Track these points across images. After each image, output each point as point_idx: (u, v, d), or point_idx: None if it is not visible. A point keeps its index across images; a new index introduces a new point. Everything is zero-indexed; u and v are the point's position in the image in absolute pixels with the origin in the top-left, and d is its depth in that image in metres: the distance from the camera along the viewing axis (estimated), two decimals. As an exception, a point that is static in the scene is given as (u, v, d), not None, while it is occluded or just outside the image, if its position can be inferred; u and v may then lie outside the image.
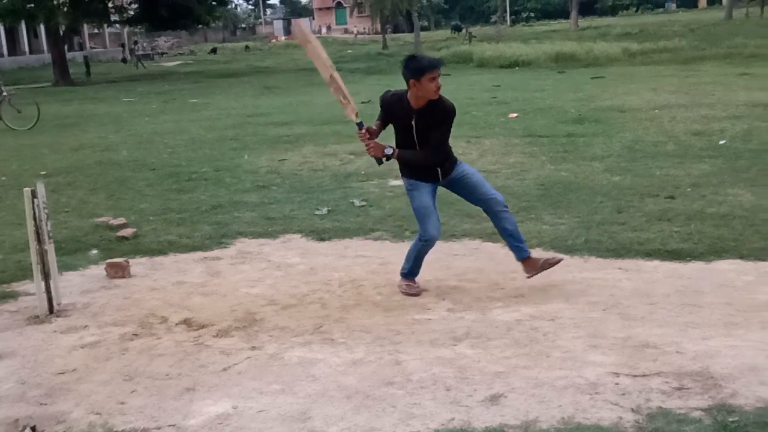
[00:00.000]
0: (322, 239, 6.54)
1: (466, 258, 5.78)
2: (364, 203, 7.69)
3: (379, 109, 5.05)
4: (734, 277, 5.06)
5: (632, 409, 3.26)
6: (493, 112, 14.76)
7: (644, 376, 3.60)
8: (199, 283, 5.50)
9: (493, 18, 63.22)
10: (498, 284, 5.19)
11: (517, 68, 28.09)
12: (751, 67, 21.64)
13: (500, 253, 5.87)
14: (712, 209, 6.73)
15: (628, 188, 7.79)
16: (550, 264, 5.02)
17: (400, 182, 8.72)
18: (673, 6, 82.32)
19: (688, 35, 34.45)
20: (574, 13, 53.66)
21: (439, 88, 4.73)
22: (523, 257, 5.05)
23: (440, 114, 4.79)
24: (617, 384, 3.52)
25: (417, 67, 4.70)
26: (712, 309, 4.53)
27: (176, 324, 4.66)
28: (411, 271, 5.13)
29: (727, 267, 5.28)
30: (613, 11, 79.66)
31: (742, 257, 5.45)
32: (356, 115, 4.85)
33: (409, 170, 5.02)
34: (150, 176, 9.77)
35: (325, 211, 7.44)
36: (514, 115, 14.07)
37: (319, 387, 3.66)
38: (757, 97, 14.36)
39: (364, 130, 4.84)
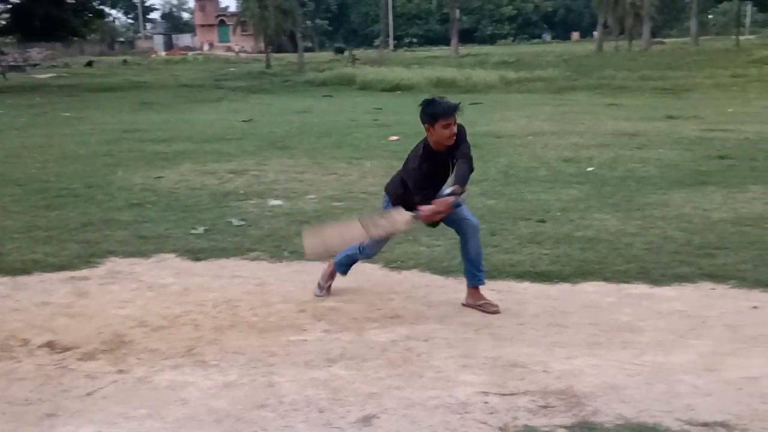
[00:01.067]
0: (198, 259, 6.41)
1: (344, 279, 5.79)
2: (242, 223, 7.59)
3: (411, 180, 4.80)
4: (598, 298, 5.27)
5: (500, 427, 3.34)
6: (374, 135, 14.91)
7: (512, 394, 3.70)
8: (64, 303, 5.28)
9: (376, 42, 64.04)
10: (375, 305, 5.22)
11: (398, 92, 28.51)
12: (618, 98, 22.75)
13: (378, 274, 5.92)
14: (580, 233, 7.00)
15: (502, 212, 8.01)
16: (485, 308, 5.01)
17: (279, 202, 8.72)
18: (549, 37, 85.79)
19: (561, 65, 35.90)
20: (454, 41, 55.02)
21: (453, 135, 4.64)
22: (473, 285, 5.07)
23: (459, 136, 4.73)
24: (486, 403, 3.60)
25: (432, 113, 4.66)
26: (578, 329, 4.70)
27: (38, 347, 4.46)
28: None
29: (592, 289, 5.49)
30: (491, 40, 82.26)
31: (605, 279, 5.68)
32: (414, 216, 4.73)
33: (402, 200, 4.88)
34: (16, 192, 9.34)
35: (201, 230, 7.30)
36: (395, 138, 14.26)
37: (188, 411, 3.58)
38: (623, 127, 15.09)
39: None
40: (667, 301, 5.23)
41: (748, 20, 79.07)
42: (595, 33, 57.37)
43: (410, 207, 4.74)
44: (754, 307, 4.96)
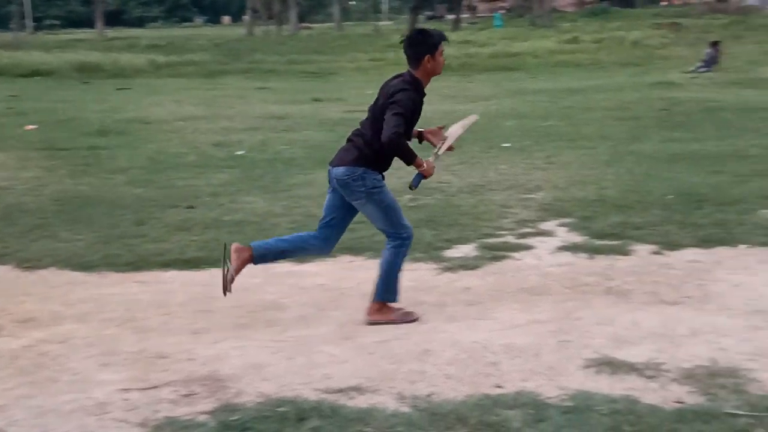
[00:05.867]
0: None
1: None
2: None
3: (407, 117, 4.32)
4: (245, 280, 5.27)
5: (139, 423, 3.25)
6: (8, 124, 13.71)
7: (154, 387, 3.61)
8: None
9: (12, 24, 58.78)
10: (5, 310, 4.80)
11: (37, 78, 26.44)
12: (268, 82, 23.24)
13: (8, 276, 5.46)
14: (229, 217, 7.05)
15: (151, 200, 7.80)
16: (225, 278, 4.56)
17: None
18: (200, 20, 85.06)
19: (212, 49, 35.78)
20: (99, 23, 52.39)
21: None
22: (253, 259, 4.61)
23: None
24: (126, 400, 3.47)
25: (433, 42, 4.37)
26: (224, 313, 4.73)
27: None
28: (395, 289, 4.51)
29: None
30: (140, 23, 79.55)
31: (252, 261, 5.77)
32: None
33: (383, 163, 4.46)
34: None
35: None
36: (32, 127, 13.23)
37: None
38: (272, 110, 15.46)
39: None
40: (310, 276, 5.47)
41: (386, 7, 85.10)
42: (245, 17, 57.99)
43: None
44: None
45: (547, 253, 5.84)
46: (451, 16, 58.44)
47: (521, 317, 4.53)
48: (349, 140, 4.53)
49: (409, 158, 4.38)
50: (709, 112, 13.32)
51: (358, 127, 4.55)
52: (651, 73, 22.09)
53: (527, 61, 27.03)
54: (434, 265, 5.61)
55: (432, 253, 5.86)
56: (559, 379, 3.63)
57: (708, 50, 22.43)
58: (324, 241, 4.62)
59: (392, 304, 4.55)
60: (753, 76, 19.80)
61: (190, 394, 3.54)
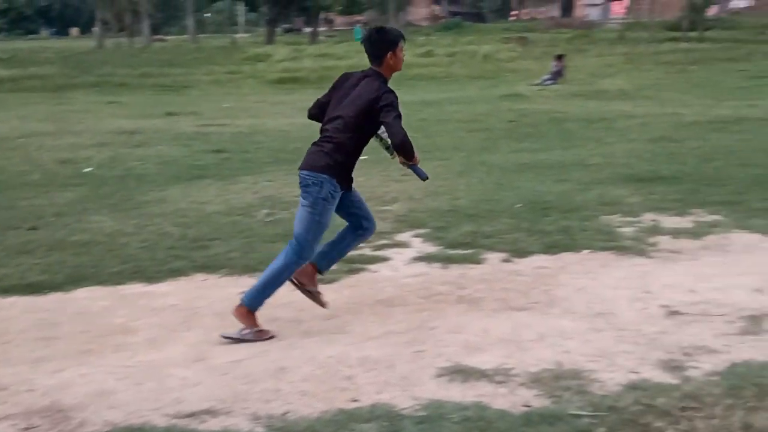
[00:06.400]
0: None
1: None
2: None
3: (394, 103, 4.36)
4: (91, 303, 5.13)
5: (-29, 463, 3.04)
6: None
7: (-10, 423, 3.40)
8: None
9: None
10: None
11: None
12: (119, 96, 22.50)
13: None
14: (75, 237, 6.74)
15: (-11, 222, 7.36)
16: (313, 295, 4.74)
17: None
18: (47, 33, 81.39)
19: (59, 63, 34.27)
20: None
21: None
22: (319, 270, 4.75)
23: None
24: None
25: (394, 38, 4.49)
26: (69, 339, 4.51)
27: None
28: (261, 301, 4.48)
29: (84, 295, 5.32)
30: (-20, 35, 75.33)
31: (100, 283, 5.55)
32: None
33: (347, 174, 4.53)
34: None
35: None
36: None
37: None
38: (123, 125, 14.95)
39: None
40: (162, 297, 5.30)
41: (242, 19, 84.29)
42: (94, 29, 55.95)
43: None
44: (241, 293, 5.25)
45: (403, 264, 5.92)
46: (308, 29, 58.58)
47: (377, 329, 4.56)
48: (317, 145, 4.55)
49: (412, 155, 4.51)
50: (555, 123, 13.93)
51: (326, 130, 4.54)
52: (500, 85, 22.90)
53: (384, 74, 27.40)
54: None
55: (288, 269, 5.80)
56: (413, 389, 3.67)
57: (553, 63, 23.49)
58: (358, 228, 4.78)
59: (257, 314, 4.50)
60: (595, 88, 20.89)
61: (29, 428, 3.35)
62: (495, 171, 9.46)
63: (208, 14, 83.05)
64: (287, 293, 5.25)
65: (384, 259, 6.00)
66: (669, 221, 6.75)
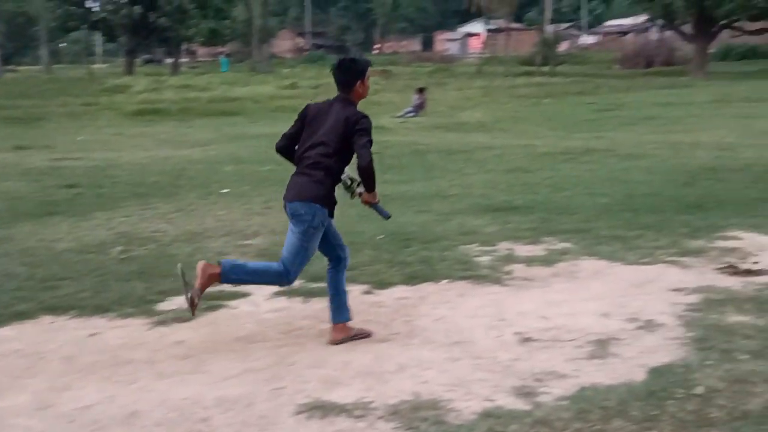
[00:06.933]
0: None
1: None
2: None
3: (368, 129, 4.56)
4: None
5: None
6: None
7: None
8: None
9: None
10: None
11: None
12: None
13: None
14: None
15: None
16: (360, 336, 4.83)
17: None
18: None
19: None
20: None
21: None
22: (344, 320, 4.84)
23: None
24: None
25: (363, 68, 4.68)
26: None
27: None
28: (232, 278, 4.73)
29: None
30: None
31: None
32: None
33: (334, 199, 4.70)
34: None
35: None
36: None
37: None
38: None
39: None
40: (6, 341, 5.00)
41: (100, 49, 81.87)
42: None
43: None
44: (91, 335, 5.04)
45: (264, 299, 5.83)
46: (169, 60, 57.55)
47: (235, 367, 4.46)
48: (303, 174, 4.64)
49: (374, 185, 4.68)
50: (417, 155, 14.19)
51: (308, 157, 4.63)
52: (365, 117, 23.16)
53: (247, 106, 27.20)
54: (146, 320, 5.37)
55: (143, 307, 5.61)
56: (272, 428, 3.61)
57: (415, 96, 24.01)
58: (337, 262, 4.95)
59: None
60: (455, 121, 21.48)
61: None
62: (358, 203, 9.50)
63: (64, 44, 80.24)
64: (141, 334, 5.08)
65: (244, 295, 5.89)
66: (523, 249, 6.98)
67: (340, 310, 4.86)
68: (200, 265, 4.59)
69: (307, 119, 4.72)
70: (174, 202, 9.83)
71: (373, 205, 4.82)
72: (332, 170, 4.62)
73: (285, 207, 4.70)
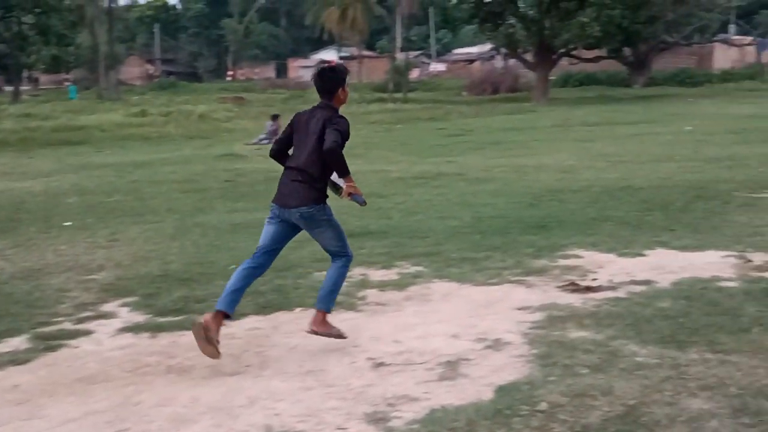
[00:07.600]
0: None
1: None
2: None
3: (345, 137, 4.93)
4: None
5: None
6: None
7: None
8: None
9: None
10: None
11: None
12: None
13: None
14: None
15: None
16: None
17: None
18: None
19: None
20: None
21: None
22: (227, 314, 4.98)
23: None
24: None
25: (342, 76, 5.05)
26: None
27: None
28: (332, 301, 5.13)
29: None
30: None
31: None
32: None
33: (326, 193, 5.03)
34: None
35: None
36: None
37: None
38: None
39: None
40: None
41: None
42: None
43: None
44: None
45: (108, 336, 5.58)
46: (9, 88, 54.76)
47: (75, 410, 4.23)
48: (297, 181, 4.98)
49: (346, 170, 4.89)
50: (271, 183, 13.97)
51: (301, 162, 4.98)
52: (217, 145, 22.81)
53: (94, 135, 26.21)
54: (-23, 365, 5.02)
55: (-26, 352, 5.24)
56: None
57: (269, 123, 23.87)
58: (262, 267, 5.15)
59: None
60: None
61: None
62: (210, 232, 9.31)
63: None
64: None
65: (86, 333, 5.63)
66: (376, 274, 7.03)
67: (229, 299, 5.03)
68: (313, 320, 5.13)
69: (295, 126, 5.11)
70: (11, 237, 9.31)
71: (354, 197, 5.02)
72: (323, 172, 4.99)
73: (283, 212, 5.04)
